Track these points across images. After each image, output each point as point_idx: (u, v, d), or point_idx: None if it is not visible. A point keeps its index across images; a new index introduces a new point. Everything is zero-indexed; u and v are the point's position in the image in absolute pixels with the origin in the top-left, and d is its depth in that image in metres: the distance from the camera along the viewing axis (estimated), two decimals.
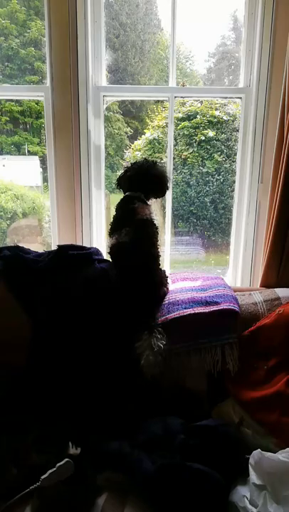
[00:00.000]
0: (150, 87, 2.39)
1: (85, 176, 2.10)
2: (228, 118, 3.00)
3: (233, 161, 3.08)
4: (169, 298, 1.71)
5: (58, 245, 1.78)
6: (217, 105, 3.14)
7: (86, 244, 2.11)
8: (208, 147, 3.09)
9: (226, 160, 3.04)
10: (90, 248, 1.83)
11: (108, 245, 1.69)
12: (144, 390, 1.57)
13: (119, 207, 1.73)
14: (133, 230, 1.63)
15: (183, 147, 3.14)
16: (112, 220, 1.74)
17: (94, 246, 1.94)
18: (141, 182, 1.79)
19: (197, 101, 3.19)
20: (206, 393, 1.61)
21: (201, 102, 3.16)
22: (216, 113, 3.11)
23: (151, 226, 1.68)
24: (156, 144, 3.12)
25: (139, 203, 1.69)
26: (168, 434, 1.39)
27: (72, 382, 1.56)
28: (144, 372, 1.51)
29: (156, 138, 3.13)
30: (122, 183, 1.81)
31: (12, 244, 1.81)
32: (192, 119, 3.18)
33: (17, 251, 1.78)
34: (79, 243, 2.11)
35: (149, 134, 3.08)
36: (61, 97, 1.98)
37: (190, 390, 1.61)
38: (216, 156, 3.06)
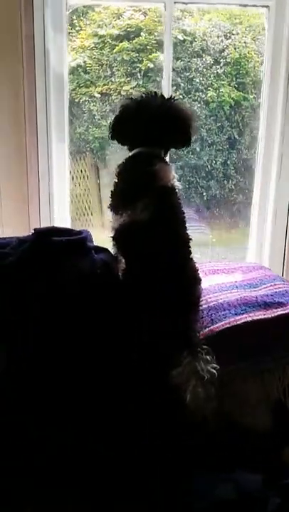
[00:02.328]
0: None
1: (42, 124, 1.80)
2: (185, 37, 2.71)
3: (194, 100, 2.81)
4: (209, 300, 1.54)
5: (35, 229, 1.51)
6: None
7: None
8: (158, 79, 2.68)
9: (183, 98, 2.77)
10: (80, 232, 1.56)
11: (114, 227, 1.47)
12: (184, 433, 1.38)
13: (129, 170, 1.49)
14: (155, 202, 1.41)
15: (122, 79, 2.77)
16: (114, 189, 1.51)
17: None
18: (157, 130, 1.50)
19: (138, 11, 2.81)
20: (271, 432, 1.45)
21: (145, 13, 2.79)
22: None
23: (177, 196, 1.49)
24: (82, 73, 2.73)
25: (160, 164, 1.47)
26: (247, 498, 1.22)
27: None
28: (191, 412, 1.31)
29: (82, 65, 2.73)
30: (124, 131, 1.50)
31: None
32: (133, 39, 2.76)
33: None
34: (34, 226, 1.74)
35: (70, 59, 2.65)
36: None
37: (248, 428, 1.44)
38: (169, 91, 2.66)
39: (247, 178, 3.14)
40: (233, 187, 3.12)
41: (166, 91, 1.86)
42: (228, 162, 3.07)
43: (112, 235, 1.49)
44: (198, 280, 1.53)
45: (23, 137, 1.78)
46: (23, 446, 1.36)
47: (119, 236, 1.47)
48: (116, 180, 1.52)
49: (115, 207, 1.49)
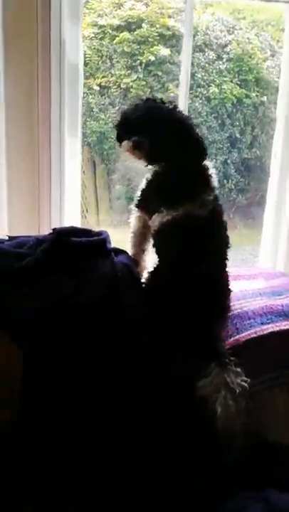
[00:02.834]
0: None
1: (56, 116, 1.72)
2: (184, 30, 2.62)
3: (196, 96, 2.81)
4: (234, 308, 1.49)
5: (54, 229, 1.47)
6: (170, 11, 2.77)
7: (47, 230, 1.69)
8: (160, 73, 2.76)
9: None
10: (99, 232, 1.51)
11: (155, 225, 1.41)
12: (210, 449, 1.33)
13: (178, 165, 1.40)
14: (213, 198, 1.39)
15: (122, 71, 2.78)
16: (157, 185, 1.43)
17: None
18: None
19: (140, 1, 2.80)
20: None
21: (147, 4, 2.78)
22: (170, 22, 2.74)
23: None
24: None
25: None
26: None
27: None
28: (221, 428, 1.27)
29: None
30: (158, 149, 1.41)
31: None
32: (134, 30, 2.77)
33: None
34: (45, 225, 1.80)
35: None
36: None
37: (275, 442, 1.40)
38: (170, 86, 2.76)
39: (247, 177, 3.16)
40: (232, 187, 3.13)
41: (184, 87, 1.84)
42: (229, 161, 3.08)
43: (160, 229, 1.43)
44: (229, 290, 1.51)
45: (35, 131, 1.72)
46: (23, 446, 1.33)
47: (165, 232, 1.41)
48: (156, 177, 1.45)
49: (156, 204, 1.43)
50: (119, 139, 1.45)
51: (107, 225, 2.99)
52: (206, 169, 1.42)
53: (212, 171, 1.44)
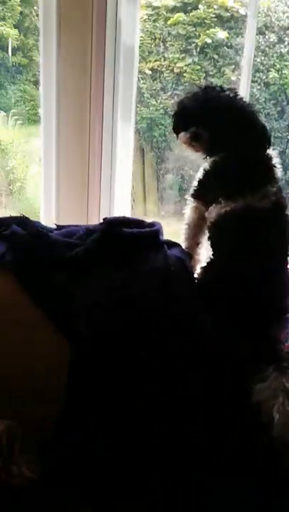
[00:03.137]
0: None
1: (109, 100, 1.71)
2: (247, 12, 2.52)
3: (254, 81, 2.71)
4: None
5: (105, 219, 1.46)
6: None
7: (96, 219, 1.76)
8: (216, 57, 2.64)
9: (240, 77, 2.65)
10: (152, 223, 1.49)
11: (212, 216, 1.38)
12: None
13: (240, 154, 1.37)
14: (277, 190, 1.35)
15: (176, 55, 2.68)
16: (215, 175, 1.40)
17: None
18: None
19: None
20: None
21: None
22: (229, 2, 2.63)
23: None
24: None
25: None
26: None
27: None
28: (278, 436, 1.24)
29: None
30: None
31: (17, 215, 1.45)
32: (190, 11, 2.68)
33: (36, 227, 1.44)
34: (94, 215, 1.80)
35: None
36: None
37: None
38: (227, 71, 2.64)
39: None
40: None
41: (246, 72, 1.77)
42: (287, 151, 2.97)
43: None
44: None
45: (87, 115, 1.71)
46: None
47: (222, 224, 1.38)
48: (215, 166, 1.42)
49: (214, 194, 1.40)
50: (176, 130, 1.42)
51: (154, 215, 2.95)
52: (269, 159, 1.38)
53: (276, 161, 1.39)
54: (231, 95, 1.37)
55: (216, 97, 1.36)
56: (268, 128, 1.40)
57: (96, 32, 1.65)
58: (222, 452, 1.31)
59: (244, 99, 1.39)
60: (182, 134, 1.38)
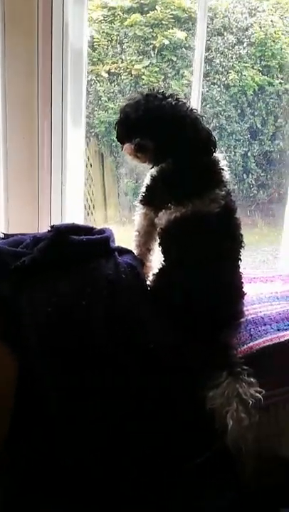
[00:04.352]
0: None
1: (57, 104, 1.74)
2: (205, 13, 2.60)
3: (214, 83, 2.78)
4: (247, 313, 1.50)
5: (53, 226, 1.45)
6: None
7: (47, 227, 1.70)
8: (175, 58, 2.71)
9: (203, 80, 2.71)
10: (102, 230, 1.51)
11: (161, 222, 1.42)
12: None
13: (186, 159, 1.40)
14: (225, 194, 1.40)
15: (133, 57, 2.72)
16: (164, 181, 1.44)
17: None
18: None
19: None
20: None
21: None
22: (187, 3, 2.68)
23: None
24: (89, 49, 2.66)
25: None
26: None
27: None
28: (231, 442, 1.26)
29: (88, 40, 2.67)
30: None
31: None
32: (147, 12, 2.74)
33: None
34: (44, 221, 1.82)
35: None
36: None
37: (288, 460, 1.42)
38: (186, 73, 2.69)
39: (268, 172, 3.12)
40: (253, 182, 3.09)
41: (198, 73, 1.83)
42: (249, 154, 3.05)
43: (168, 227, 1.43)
44: (243, 293, 1.50)
45: (35, 121, 1.74)
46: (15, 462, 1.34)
47: (172, 230, 1.42)
48: (162, 172, 1.45)
49: (162, 200, 1.43)
50: (121, 140, 1.45)
51: (116, 221, 2.98)
52: (216, 162, 1.42)
53: (223, 164, 1.44)
54: (173, 102, 1.39)
55: (158, 105, 1.38)
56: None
57: (42, 34, 1.68)
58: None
59: (187, 105, 1.42)
60: (127, 146, 1.41)
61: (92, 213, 3.01)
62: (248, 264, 2.42)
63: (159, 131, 1.36)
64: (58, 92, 1.74)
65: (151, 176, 1.47)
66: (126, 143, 1.40)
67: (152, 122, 1.36)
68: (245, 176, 3.04)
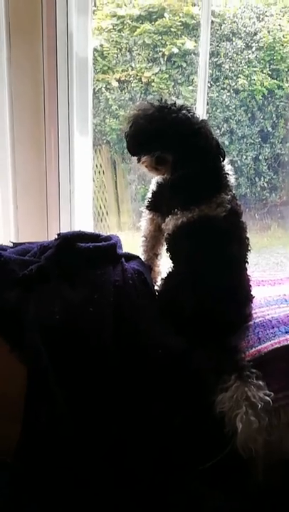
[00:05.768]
0: None
1: (64, 113, 1.74)
2: (213, 19, 2.58)
3: (223, 88, 2.76)
4: (255, 316, 1.49)
5: (60, 234, 1.47)
6: None
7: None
8: (184, 65, 2.69)
9: (211, 86, 2.71)
10: (109, 237, 1.51)
11: (167, 228, 1.43)
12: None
13: (193, 164, 1.40)
14: (231, 198, 1.41)
15: (143, 64, 2.71)
16: (171, 187, 1.44)
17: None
18: None
19: None
20: None
21: None
22: (195, 10, 2.65)
23: None
24: (99, 58, 2.67)
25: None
26: None
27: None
28: (240, 445, 1.25)
29: (98, 48, 2.66)
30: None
31: None
32: (156, 20, 2.72)
33: None
34: (53, 229, 1.81)
35: None
36: None
37: None
38: (196, 78, 2.62)
39: (280, 174, 3.09)
40: (265, 185, 3.07)
41: (202, 79, 1.81)
42: (260, 157, 3.02)
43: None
44: (251, 296, 1.50)
45: (42, 129, 1.75)
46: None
47: (179, 235, 1.42)
48: (167, 178, 1.45)
49: (169, 205, 1.43)
50: (133, 151, 1.43)
51: (129, 227, 2.97)
52: (221, 168, 1.42)
53: (228, 168, 1.43)
54: (188, 115, 1.39)
55: (176, 118, 1.38)
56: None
57: (47, 44, 1.69)
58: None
59: (198, 116, 1.42)
60: (146, 158, 1.40)
61: (105, 219, 3.01)
62: (262, 266, 2.39)
63: (179, 145, 1.36)
64: (64, 101, 1.75)
65: (157, 182, 1.47)
66: (142, 155, 1.40)
67: (173, 136, 1.36)
68: (257, 179, 3.01)
